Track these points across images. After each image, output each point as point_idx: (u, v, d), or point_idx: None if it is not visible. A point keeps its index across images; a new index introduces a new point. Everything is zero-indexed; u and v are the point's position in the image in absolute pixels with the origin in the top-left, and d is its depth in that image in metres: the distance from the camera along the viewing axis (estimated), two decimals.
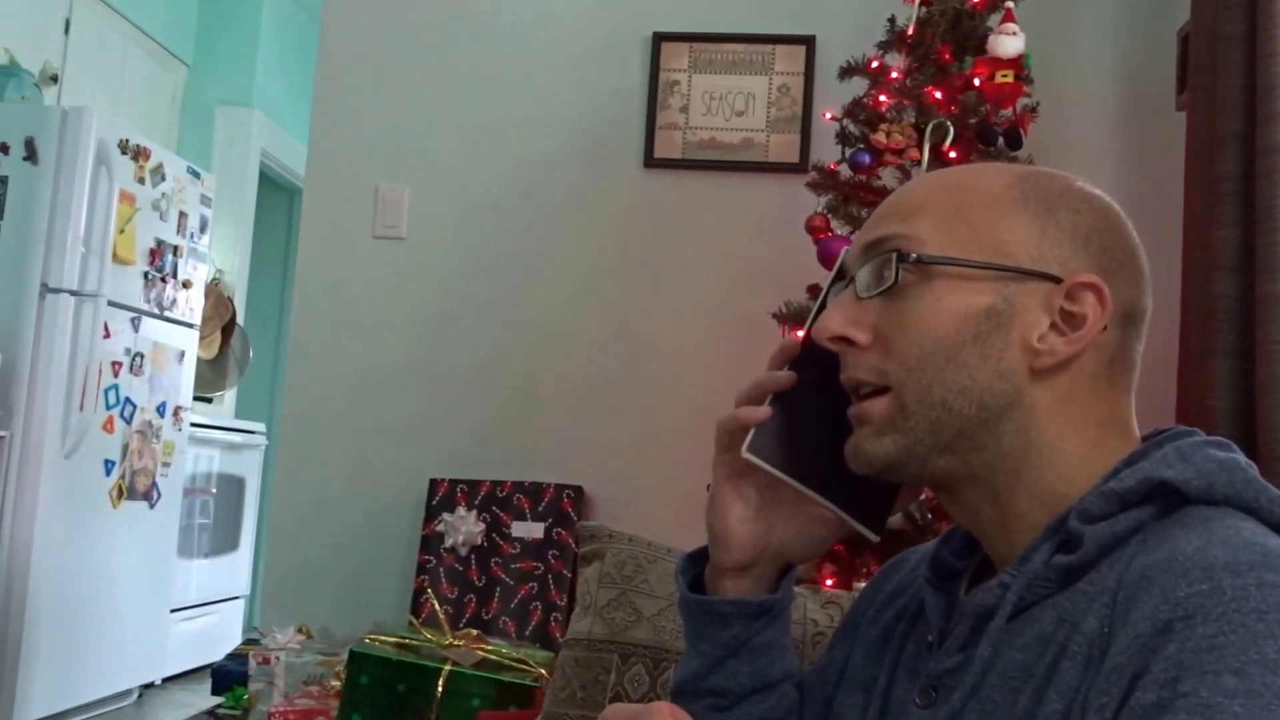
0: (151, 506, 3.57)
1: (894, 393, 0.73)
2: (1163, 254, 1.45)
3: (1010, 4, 2.06)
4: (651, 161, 2.60)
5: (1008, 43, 2.00)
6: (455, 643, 1.79)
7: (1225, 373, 1.80)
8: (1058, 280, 0.71)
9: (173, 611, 3.81)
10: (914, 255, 0.72)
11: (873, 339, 0.74)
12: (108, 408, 3.30)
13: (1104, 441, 0.72)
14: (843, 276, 0.79)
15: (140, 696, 3.65)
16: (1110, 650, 0.60)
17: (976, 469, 0.72)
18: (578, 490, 2.52)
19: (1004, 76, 1.99)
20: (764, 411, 0.78)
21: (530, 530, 2.50)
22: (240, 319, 4.63)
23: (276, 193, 5.24)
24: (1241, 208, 1.80)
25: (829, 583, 1.90)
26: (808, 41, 2.57)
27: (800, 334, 0.80)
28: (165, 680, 3.82)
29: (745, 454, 0.78)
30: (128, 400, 3.40)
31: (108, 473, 3.33)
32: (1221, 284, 1.81)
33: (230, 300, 4.52)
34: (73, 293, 3.14)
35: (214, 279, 4.36)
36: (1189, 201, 1.92)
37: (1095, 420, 0.72)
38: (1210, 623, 0.56)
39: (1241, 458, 0.68)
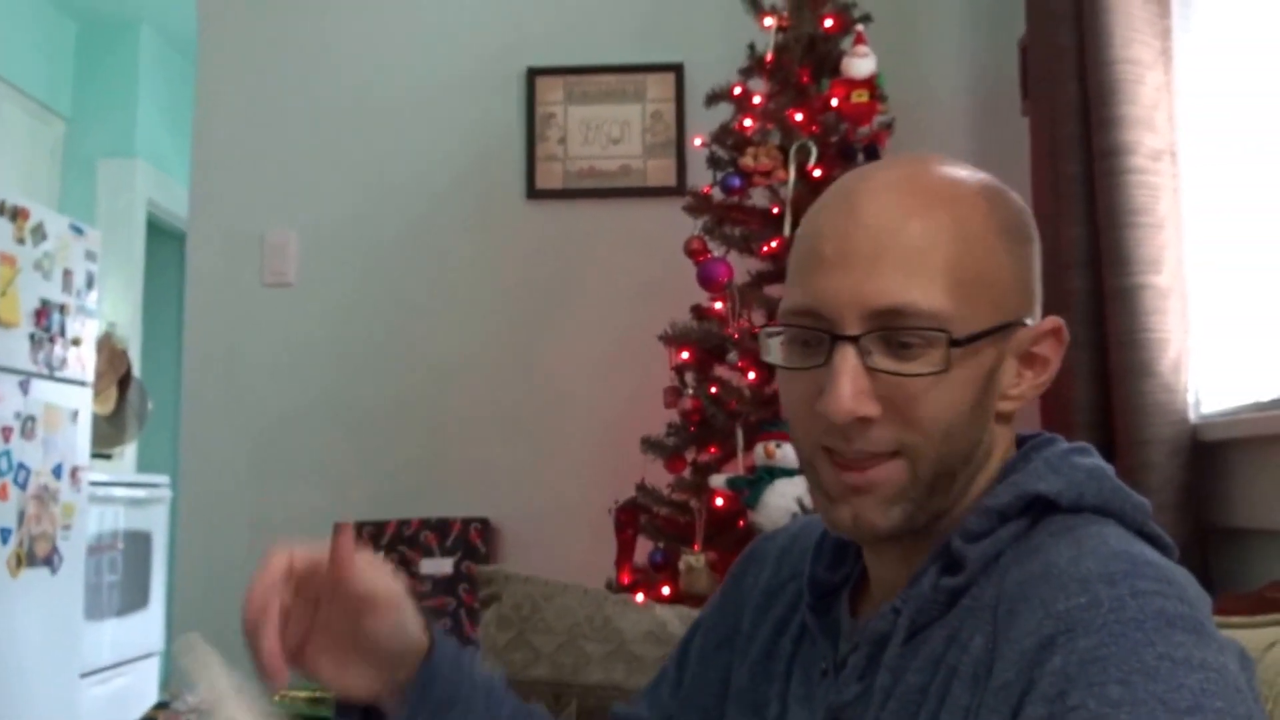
0: (54, 571, 3.48)
1: (907, 460, 0.68)
2: None
3: (860, 27, 2.15)
4: (534, 193, 2.64)
5: (860, 64, 2.09)
6: None
7: (1083, 364, 1.87)
8: (1024, 324, 0.71)
9: (84, 676, 3.71)
10: (963, 337, 0.67)
11: (883, 410, 0.68)
12: None
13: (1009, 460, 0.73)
14: (815, 318, 0.69)
15: None
16: (995, 667, 0.61)
17: (932, 517, 0.71)
18: (484, 522, 2.54)
19: (859, 96, 2.08)
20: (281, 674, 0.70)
21: (439, 566, 2.51)
22: (137, 371, 4.54)
23: (167, 241, 5.14)
24: (1086, 207, 1.88)
25: None
26: (676, 69, 2.64)
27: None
28: None
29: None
30: (21, 465, 3.32)
31: (4, 541, 3.24)
32: (1073, 280, 1.89)
33: (125, 353, 4.43)
34: None
35: (106, 333, 4.27)
36: (1038, 202, 2.00)
37: (1012, 443, 0.74)
38: (1091, 635, 0.57)
39: (1102, 462, 0.71)
